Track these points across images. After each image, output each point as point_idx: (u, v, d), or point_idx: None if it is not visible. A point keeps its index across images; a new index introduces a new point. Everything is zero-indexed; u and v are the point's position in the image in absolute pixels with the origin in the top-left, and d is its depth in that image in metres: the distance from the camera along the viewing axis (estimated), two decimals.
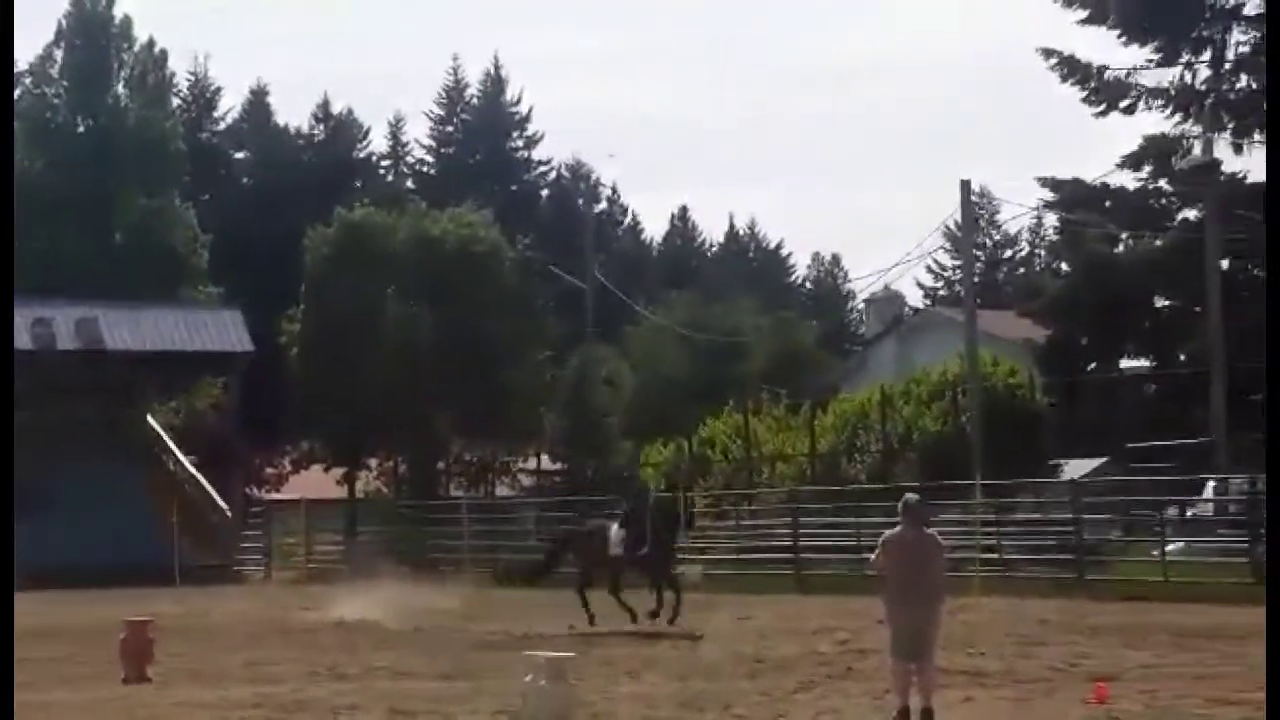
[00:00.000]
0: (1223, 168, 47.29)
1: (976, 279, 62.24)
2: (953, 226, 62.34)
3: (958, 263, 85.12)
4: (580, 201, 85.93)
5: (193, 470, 55.48)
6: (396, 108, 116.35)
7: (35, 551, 41.37)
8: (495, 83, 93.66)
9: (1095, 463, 45.60)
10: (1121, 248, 54.62)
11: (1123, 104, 53.30)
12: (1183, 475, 40.23)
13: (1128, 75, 53.29)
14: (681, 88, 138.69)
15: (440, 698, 18.60)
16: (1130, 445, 45.95)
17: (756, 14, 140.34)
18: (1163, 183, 53.75)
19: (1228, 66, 52.71)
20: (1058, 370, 50.93)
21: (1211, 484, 39.25)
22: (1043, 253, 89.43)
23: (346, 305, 55.66)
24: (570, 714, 15.30)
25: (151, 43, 72.75)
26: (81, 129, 70.14)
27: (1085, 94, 53.79)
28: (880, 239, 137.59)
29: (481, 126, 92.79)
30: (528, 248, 61.96)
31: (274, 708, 18.12)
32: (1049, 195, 55.45)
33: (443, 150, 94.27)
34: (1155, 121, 53.70)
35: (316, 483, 60.50)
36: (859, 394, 51.62)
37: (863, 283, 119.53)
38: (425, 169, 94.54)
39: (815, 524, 40.91)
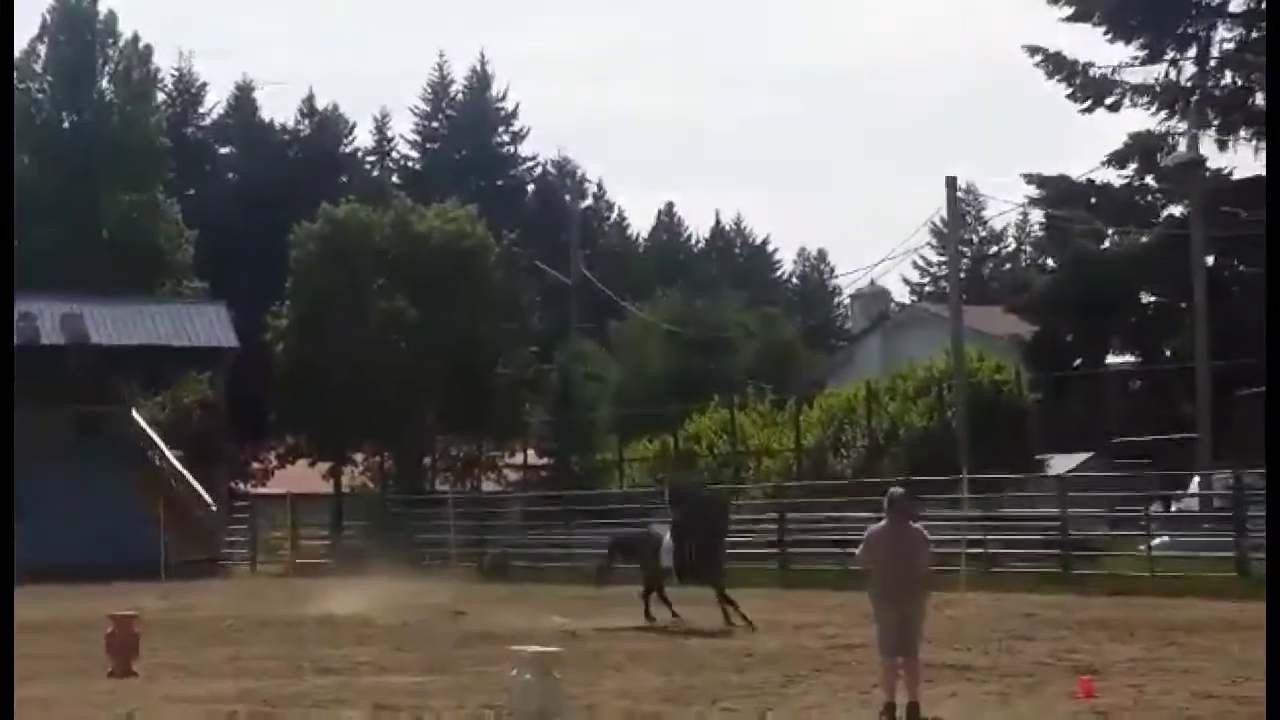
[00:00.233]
0: (1208, 164, 47.40)
1: (962, 275, 62.44)
2: (939, 223, 62.63)
3: (944, 259, 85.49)
4: (566, 197, 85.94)
5: (178, 465, 55.41)
6: (382, 103, 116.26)
7: (19, 547, 41.20)
8: (481, 78, 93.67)
9: (1081, 458, 45.71)
10: (1107, 244, 54.71)
11: (1108, 101, 53.37)
12: (1168, 470, 40.35)
13: (1113, 72, 53.38)
14: (667, 86, 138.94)
15: (425, 692, 18.58)
16: (1116, 440, 46.09)
17: (745, 13, 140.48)
18: (1148, 179, 53.86)
19: (1213, 63, 52.80)
20: (1043, 366, 51.00)
21: (1196, 479, 39.38)
22: (1029, 249, 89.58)
23: (332, 300, 55.63)
24: (555, 708, 15.28)
25: (136, 38, 72.72)
26: (66, 125, 70.01)
27: (1071, 91, 53.87)
28: (866, 235, 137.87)
29: (467, 122, 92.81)
30: (513, 243, 61.90)
31: (259, 702, 18.09)
32: (1035, 192, 55.56)
33: (428, 146, 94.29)
34: (1140, 118, 53.86)
35: (302, 477, 60.46)
36: (845, 389, 51.70)
37: (849, 279, 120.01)
38: (411, 164, 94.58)
39: (801, 519, 40.94)
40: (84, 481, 50.44)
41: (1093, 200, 54.36)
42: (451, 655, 23.01)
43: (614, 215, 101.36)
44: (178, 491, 53.81)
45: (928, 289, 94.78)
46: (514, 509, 52.28)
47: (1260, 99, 52.45)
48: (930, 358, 48.83)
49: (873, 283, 73.37)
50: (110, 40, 71.81)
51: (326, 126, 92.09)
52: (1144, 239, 52.68)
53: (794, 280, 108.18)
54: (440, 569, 41.46)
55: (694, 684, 19.00)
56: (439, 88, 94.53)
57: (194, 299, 64.36)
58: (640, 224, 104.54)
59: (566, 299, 63.72)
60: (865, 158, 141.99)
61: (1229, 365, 43.37)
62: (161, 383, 62.54)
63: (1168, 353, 53.20)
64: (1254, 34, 52.28)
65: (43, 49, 71.09)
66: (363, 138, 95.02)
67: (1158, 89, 52.76)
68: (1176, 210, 51.97)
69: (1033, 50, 53.64)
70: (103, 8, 71.72)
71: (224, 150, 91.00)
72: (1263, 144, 51.33)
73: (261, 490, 65.66)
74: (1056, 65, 53.56)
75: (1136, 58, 53.17)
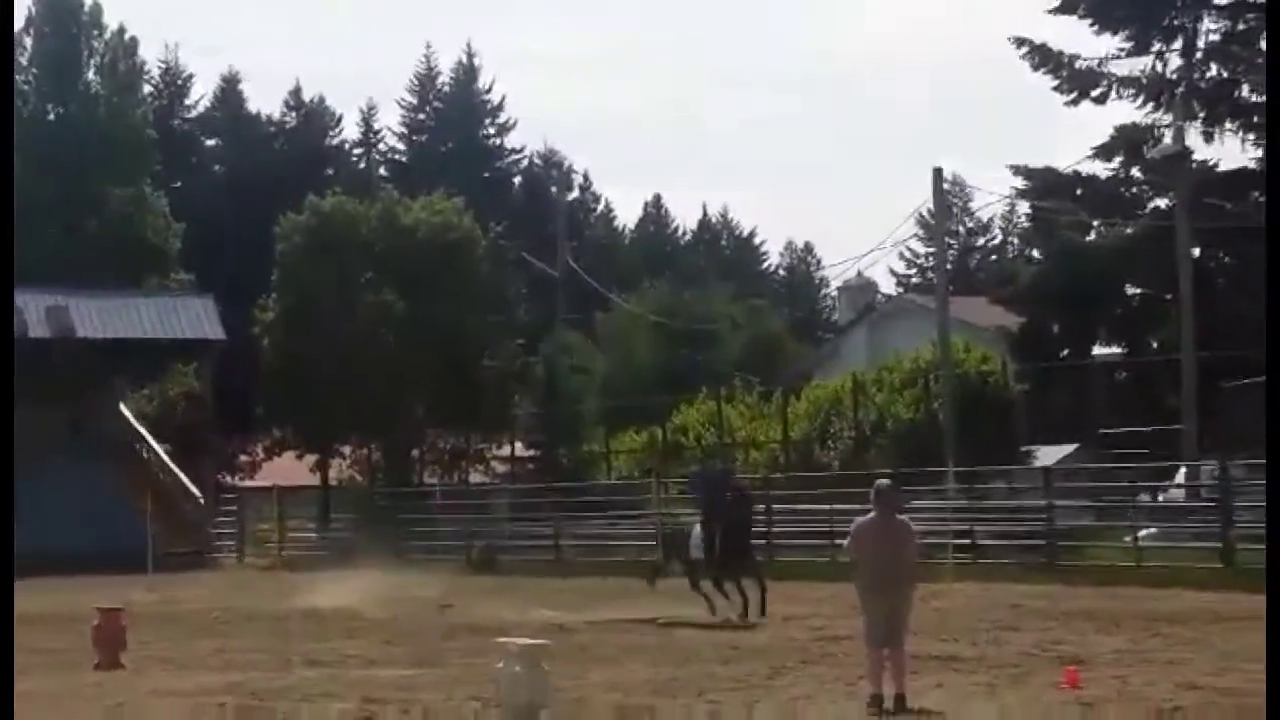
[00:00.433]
0: (1194, 156, 47.44)
1: (949, 266, 62.46)
2: (925, 214, 62.68)
3: (930, 250, 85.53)
4: (553, 189, 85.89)
5: (165, 458, 55.33)
6: (369, 96, 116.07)
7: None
8: (467, 71, 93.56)
9: (1067, 449, 45.75)
10: (1093, 236, 54.74)
11: (1094, 93, 53.39)
12: (1154, 461, 40.41)
13: (1099, 64, 53.41)
14: (654, 78, 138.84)
15: (413, 685, 18.61)
16: (1102, 432, 46.13)
17: (732, 7, 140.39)
18: (1134, 171, 53.93)
19: (1198, 55, 52.84)
20: (1030, 357, 51.05)
21: (1183, 470, 39.44)
22: (1015, 240, 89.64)
23: (319, 293, 55.60)
24: (544, 701, 15.30)
25: (122, 30, 72.53)
26: (52, 117, 69.84)
27: (1057, 83, 53.87)
28: (853, 227, 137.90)
29: (454, 114, 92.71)
30: (500, 235, 61.89)
31: (246, 695, 18.10)
32: (1021, 183, 55.55)
33: (415, 138, 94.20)
34: (1126, 110, 53.89)
35: (290, 470, 60.42)
36: (832, 381, 51.74)
37: (835, 270, 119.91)
38: (397, 157, 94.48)
39: (788, 511, 40.97)
40: (70, 474, 50.36)
41: (1079, 192, 54.38)
42: (439, 648, 23.04)
43: (601, 207, 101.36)
44: (165, 484, 53.71)
45: (914, 280, 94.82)
46: (502, 501, 52.27)
47: (1246, 90, 52.57)
48: (917, 349, 48.86)
49: (859, 274, 73.59)
50: (96, 32, 71.62)
51: (313, 119, 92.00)
52: (1130, 231, 52.73)
53: (781, 272, 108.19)
54: (428, 562, 41.41)
55: (681, 676, 19.04)
56: (425, 80, 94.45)
57: (181, 291, 64.20)
58: (627, 216, 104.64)
59: (553, 291, 63.74)
60: (852, 150, 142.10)
61: (1214, 357, 43.46)
62: (148, 375, 62.43)
63: (1154, 344, 53.29)
64: (1240, 26, 52.38)
65: (28, 41, 70.85)
66: (349, 130, 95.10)
67: (1144, 81, 52.81)
68: (1162, 202, 52.03)
69: (1019, 42, 53.67)
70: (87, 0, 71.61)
71: (210, 142, 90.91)
72: (1248, 135, 51.48)
73: (249, 483, 65.61)
74: (1043, 57, 53.58)
75: (1123, 49, 53.23)
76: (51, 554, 43.81)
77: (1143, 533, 35.05)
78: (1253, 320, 44.70)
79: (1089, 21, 53.31)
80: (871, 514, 16.33)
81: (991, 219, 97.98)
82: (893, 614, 16.10)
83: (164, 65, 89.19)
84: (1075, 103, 53.80)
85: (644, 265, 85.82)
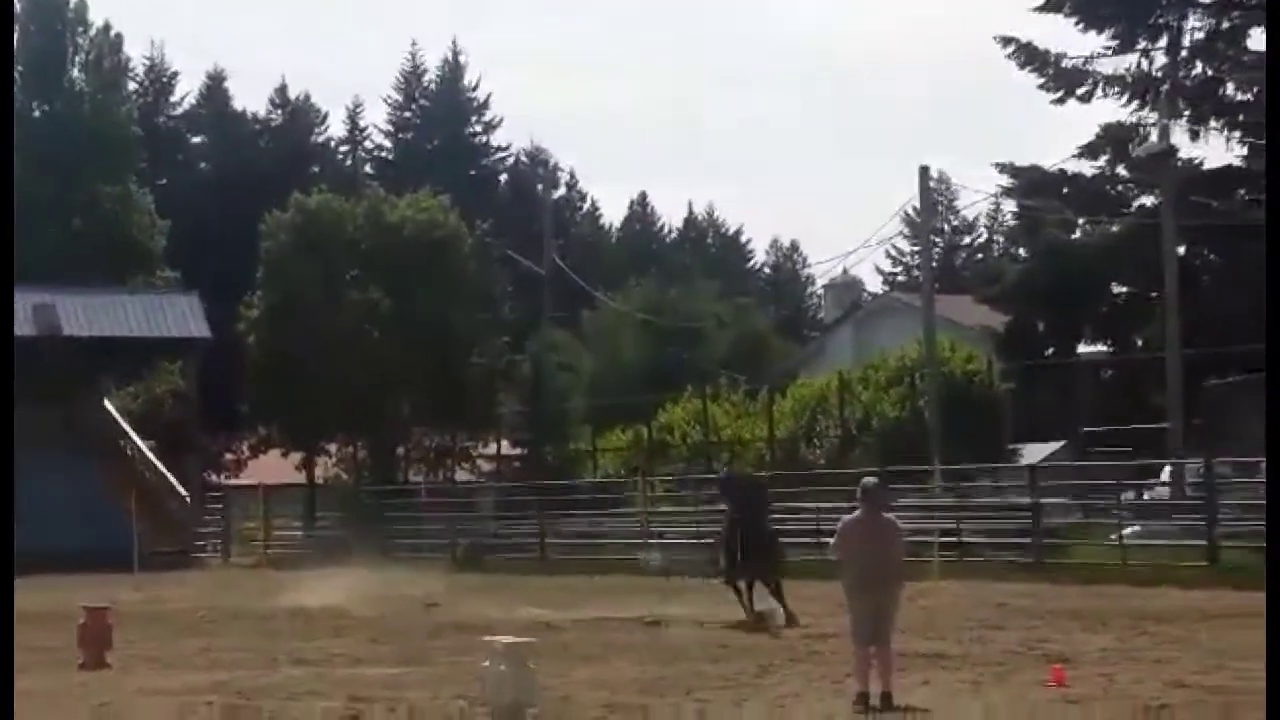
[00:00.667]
0: (1179, 154, 47.53)
1: (935, 265, 62.58)
2: (911, 212, 62.78)
3: (916, 248, 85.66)
4: (539, 187, 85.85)
5: (151, 456, 55.26)
6: (354, 93, 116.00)
7: None
8: (453, 68, 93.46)
9: (1053, 447, 45.83)
10: (1078, 234, 54.86)
11: (1080, 91, 53.49)
12: (1139, 459, 40.47)
13: (1085, 63, 53.50)
14: (639, 77, 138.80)
15: (399, 684, 18.58)
16: (1087, 430, 46.20)
17: (716, 7, 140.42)
18: (1119, 169, 54.02)
19: (1184, 54, 52.94)
20: (1015, 355, 51.15)
21: (1168, 468, 39.51)
22: (1001, 239, 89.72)
23: (304, 290, 55.55)
24: (530, 699, 15.29)
25: (107, 27, 72.45)
26: (37, 114, 69.70)
27: (1043, 81, 53.97)
28: (839, 225, 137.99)
29: (440, 112, 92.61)
30: (486, 233, 61.86)
31: (233, 694, 18.07)
32: (1007, 181, 55.65)
33: (401, 135, 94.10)
34: (1112, 109, 53.99)
35: (275, 468, 60.36)
36: (817, 379, 51.78)
37: (821, 268, 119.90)
38: (383, 154, 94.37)
39: (774, 509, 40.84)
40: (55, 472, 50.24)
41: (1064, 190, 54.49)
42: (425, 646, 23.01)
43: (587, 205, 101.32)
44: (150, 482, 53.65)
45: (900, 279, 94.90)
46: (487, 499, 52.26)
47: (1231, 88, 52.71)
48: (902, 347, 48.93)
49: (845, 272, 73.57)
50: (81, 29, 71.54)
51: (299, 116, 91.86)
52: (1115, 229, 52.84)
53: (766, 270, 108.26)
54: (414, 560, 41.37)
55: (669, 674, 19.03)
56: (411, 77, 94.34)
57: (166, 289, 64.12)
58: (613, 214, 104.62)
59: (539, 289, 63.72)
60: (837, 149, 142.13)
61: (1200, 354, 43.57)
62: (134, 373, 62.35)
63: (1139, 342, 53.42)
64: (1224, 24, 52.49)
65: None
66: (335, 127, 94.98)
67: (1129, 79, 52.90)
68: (1147, 200, 52.15)
69: (1005, 41, 53.75)
70: None
71: (196, 140, 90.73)
72: (1233, 133, 51.64)
73: (234, 481, 65.57)
74: (1029, 56, 53.66)
75: (1108, 48, 53.33)
76: (36, 552, 43.62)
77: (1128, 530, 35.11)
78: (1238, 318, 44.89)
79: (1074, 20, 53.41)
80: (858, 512, 16.33)
81: (977, 217, 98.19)
82: (879, 612, 16.11)
83: (149, 62, 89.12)
84: (1061, 101, 53.92)
85: (630, 263, 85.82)
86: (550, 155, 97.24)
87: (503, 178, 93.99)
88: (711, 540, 29.42)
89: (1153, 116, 50.48)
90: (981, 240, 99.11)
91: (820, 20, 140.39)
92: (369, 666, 20.73)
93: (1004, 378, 48.59)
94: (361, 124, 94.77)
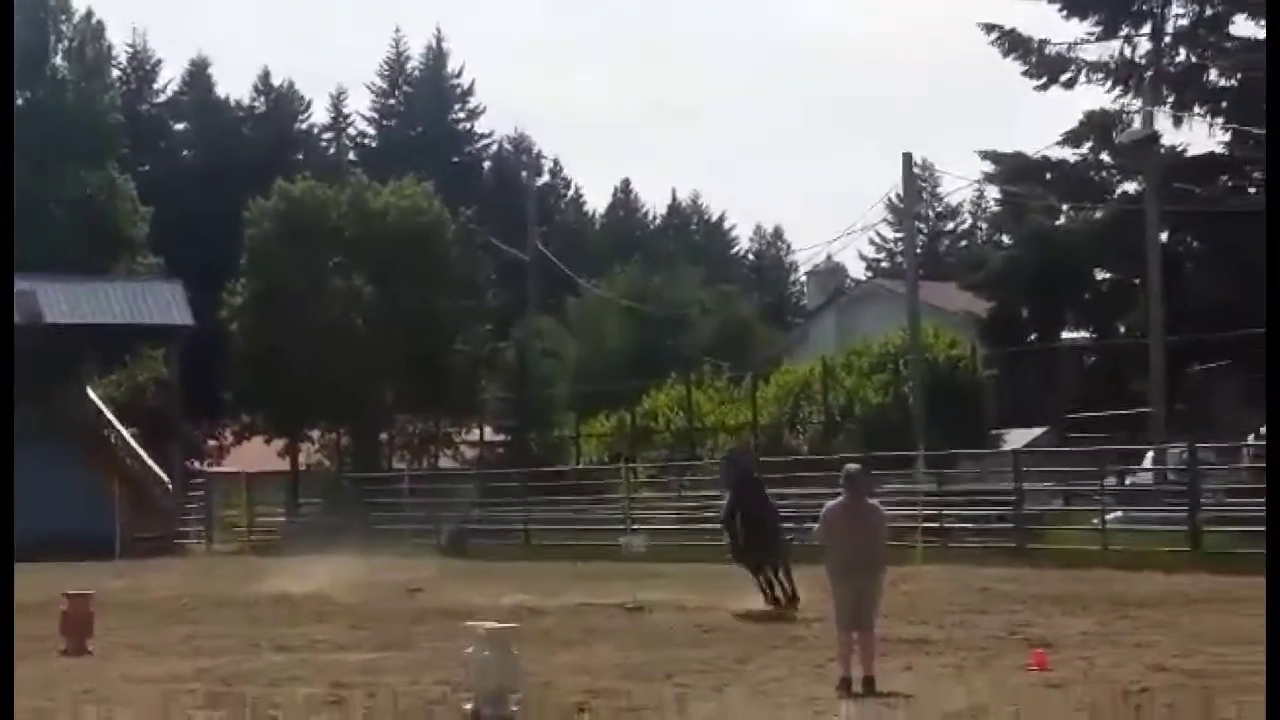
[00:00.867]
0: (1162, 141, 47.65)
1: (918, 251, 62.61)
2: (895, 199, 62.87)
3: (900, 235, 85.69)
4: (523, 174, 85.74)
5: (133, 443, 55.16)
6: (338, 80, 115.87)
7: None
8: (437, 55, 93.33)
9: (1035, 433, 45.91)
10: (1062, 220, 54.94)
11: (1063, 78, 53.59)
12: (1122, 445, 40.56)
13: (1069, 49, 53.57)
14: (625, 65, 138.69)
15: (381, 669, 18.57)
16: (1070, 415, 46.33)
17: None
18: (1103, 155, 54.11)
19: (1167, 40, 53.06)
20: (999, 342, 51.23)
21: (1150, 453, 39.62)
22: (984, 225, 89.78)
23: (288, 278, 55.45)
24: (513, 684, 15.28)
25: (90, 14, 72.28)
26: (20, 101, 69.44)
27: (1026, 68, 54.06)
28: (822, 211, 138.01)
29: (423, 99, 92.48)
30: (470, 220, 61.77)
31: (216, 680, 18.04)
32: (990, 168, 55.73)
33: (384, 123, 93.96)
34: (1096, 95, 54.07)
35: (258, 455, 60.29)
36: (801, 366, 51.81)
37: (805, 255, 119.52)
38: (367, 141, 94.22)
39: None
40: (38, 459, 50.07)
41: (1048, 176, 54.58)
42: (409, 632, 23.01)
43: (570, 192, 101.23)
44: (133, 470, 53.58)
45: (884, 265, 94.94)
46: (471, 486, 52.25)
47: (1214, 75, 52.80)
48: (886, 334, 48.97)
49: (829, 259, 73.60)
50: (63, 17, 71.37)
51: (282, 103, 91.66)
52: (1099, 215, 52.95)
53: (750, 257, 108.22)
54: (397, 546, 41.36)
55: (651, 659, 19.04)
56: (395, 65, 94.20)
57: (149, 276, 64.00)
58: (597, 201, 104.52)
59: (523, 276, 63.66)
60: (821, 135, 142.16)
61: (1183, 340, 43.67)
62: (116, 360, 62.24)
63: (1122, 328, 53.54)
64: (1208, 10, 52.56)
65: None
66: (319, 114, 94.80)
67: (1113, 65, 52.99)
68: (1131, 187, 52.27)
69: (989, 28, 53.81)
70: None
71: (179, 127, 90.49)
72: (1217, 120, 51.70)
73: (217, 468, 65.49)
74: (1012, 43, 53.73)
75: (1091, 34, 53.42)
76: (18, 539, 43.55)
77: (1110, 516, 35.19)
78: (1221, 304, 45.01)
79: (1058, 6, 53.48)
80: (841, 498, 16.37)
81: (961, 204, 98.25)
82: (862, 597, 16.14)
83: (131, 49, 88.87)
84: (1044, 88, 54.02)
85: (614, 250, 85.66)
86: (534, 142, 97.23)
87: (486, 165, 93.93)
88: (720, 524, 28.90)
89: (1136, 103, 50.57)
90: (965, 227, 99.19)
91: (804, 6, 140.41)
92: (352, 652, 20.73)
93: (987, 364, 48.65)
94: (345, 111, 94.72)
